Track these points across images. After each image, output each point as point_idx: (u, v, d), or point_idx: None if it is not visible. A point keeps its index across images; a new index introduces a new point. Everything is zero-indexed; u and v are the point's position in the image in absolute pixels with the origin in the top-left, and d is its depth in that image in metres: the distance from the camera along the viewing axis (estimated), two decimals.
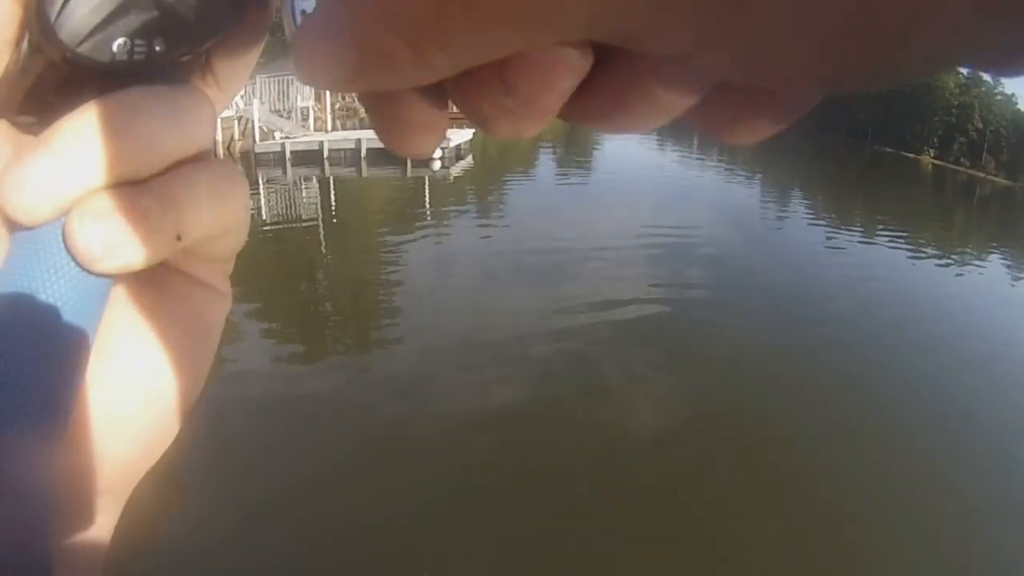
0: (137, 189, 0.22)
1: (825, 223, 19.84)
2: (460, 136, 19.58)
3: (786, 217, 20.34)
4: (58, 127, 0.21)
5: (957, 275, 17.35)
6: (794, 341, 9.28)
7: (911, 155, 67.06)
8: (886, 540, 5.20)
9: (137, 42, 0.22)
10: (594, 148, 31.15)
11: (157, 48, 0.22)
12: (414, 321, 7.88)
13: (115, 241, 0.21)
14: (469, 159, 19.89)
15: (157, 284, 0.27)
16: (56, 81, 0.22)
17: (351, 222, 12.39)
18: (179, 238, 0.23)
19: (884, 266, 15.93)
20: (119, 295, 0.26)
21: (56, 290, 0.21)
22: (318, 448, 5.35)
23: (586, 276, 10.32)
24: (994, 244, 23.79)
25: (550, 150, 28.67)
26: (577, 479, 5.20)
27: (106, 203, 0.21)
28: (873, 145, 68.44)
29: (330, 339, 7.67)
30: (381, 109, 0.18)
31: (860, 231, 19.43)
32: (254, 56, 0.28)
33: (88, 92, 0.22)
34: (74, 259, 0.21)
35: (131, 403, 0.26)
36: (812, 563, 4.88)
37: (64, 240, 0.21)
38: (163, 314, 0.27)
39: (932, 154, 70.11)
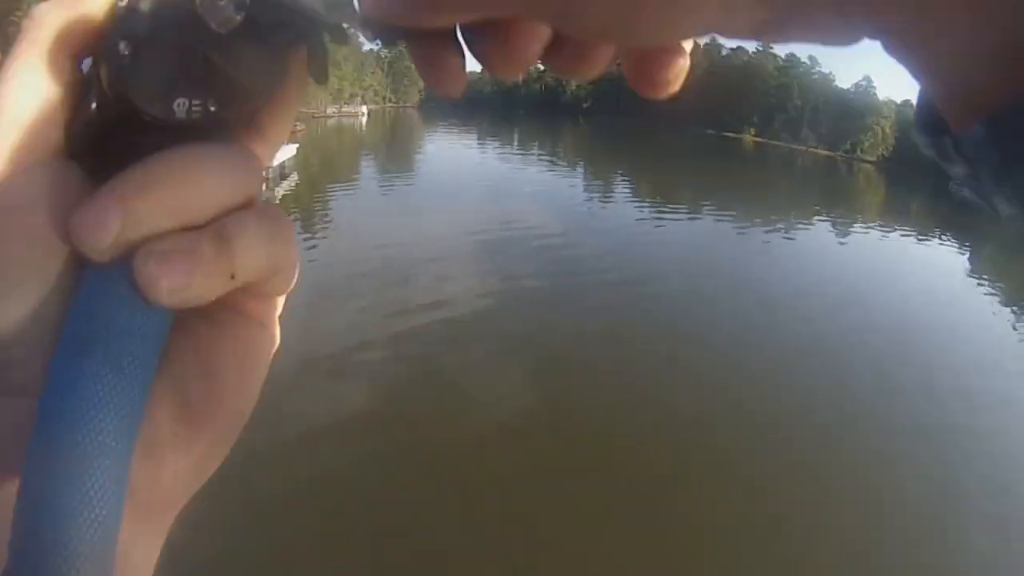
0: (195, 234, 0.25)
1: (650, 205, 20.06)
2: (282, 153, 18.09)
3: (611, 203, 20.38)
4: (127, 175, 0.24)
5: (786, 240, 18.06)
6: (627, 321, 9.30)
7: (733, 135, 70.77)
8: (728, 499, 5.51)
9: (195, 102, 0.25)
10: (416, 152, 30.83)
11: (212, 108, 0.25)
12: None
13: (176, 279, 0.24)
14: (294, 177, 18.96)
15: (213, 320, 0.30)
16: (118, 131, 0.25)
17: None
18: (233, 276, 0.26)
19: (712, 240, 16.22)
20: (180, 329, 0.28)
21: (125, 321, 0.24)
22: None
23: (418, 280, 10.03)
24: (818, 209, 24.81)
25: (371, 158, 28.08)
26: (435, 479, 5.28)
27: (168, 245, 0.24)
28: (694, 127, 70.83)
29: None
30: (429, 55, 0.26)
31: (686, 210, 19.75)
32: (295, 111, 0.32)
33: (147, 144, 0.25)
34: (140, 294, 0.24)
35: (184, 428, 0.28)
36: (648, 529, 5.04)
37: (132, 277, 0.24)
38: (218, 347, 0.30)
39: (753, 132, 73.36)
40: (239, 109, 0.26)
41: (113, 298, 0.24)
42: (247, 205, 0.28)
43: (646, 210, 19.22)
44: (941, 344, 10.69)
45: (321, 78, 0.28)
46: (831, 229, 21.40)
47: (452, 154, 31.01)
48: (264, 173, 0.31)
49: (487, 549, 4.57)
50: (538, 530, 4.82)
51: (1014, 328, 12.95)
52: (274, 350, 0.33)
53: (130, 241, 0.24)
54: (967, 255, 22.18)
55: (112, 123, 0.25)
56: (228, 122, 0.27)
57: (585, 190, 22.74)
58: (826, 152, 60.83)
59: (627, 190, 23.78)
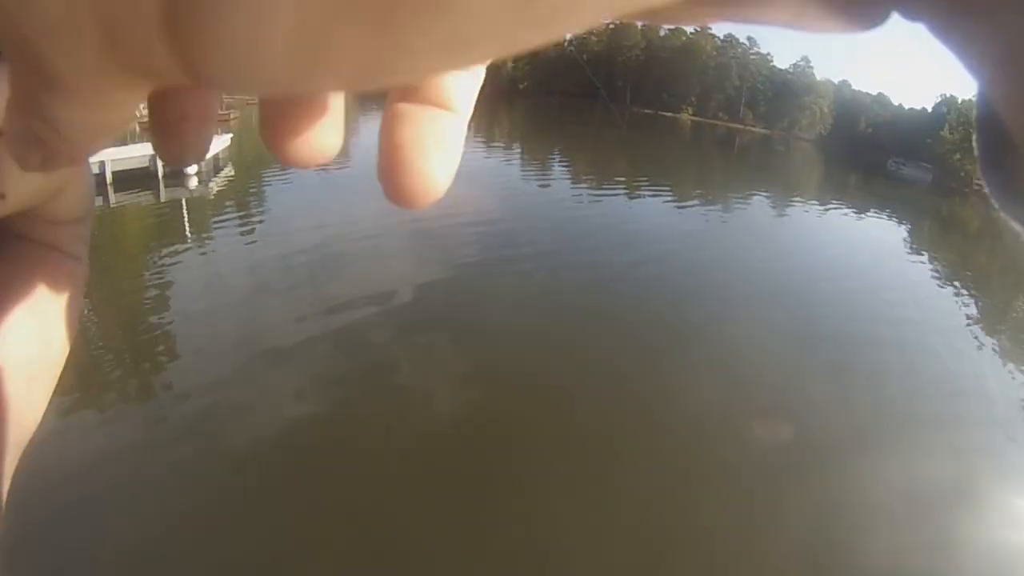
0: None
1: (588, 184, 20.13)
2: (216, 144, 17.53)
3: (548, 184, 20.41)
4: None
5: (722, 218, 18.31)
6: (565, 300, 9.40)
7: (670, 114, 71.59)
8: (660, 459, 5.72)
9: None
10: (351, 135, 30.52)
11: None
12: (193, 350, 7.09)
13: None
14: (229, 169, 18.43)
15: (8, 256, 0.28)
16: None
17: (102, 261, 11.06)
18: (2, 197, 0.24)
19: (651, 217, 16.31)
20: None
21: None
22: (127, 505, 4.74)
23: (358, 269, 9.83)
24: (756, 185, 25.15)
25: None
26: (389, 466, 5.26)
27: None
28: (632, 108, 71.51)
29: (113, 388, 6.77)
30: (156, 107, 0.20)
31: (624, 188, 19.84)
32: None
33: None
34: None
35: None
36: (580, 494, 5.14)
37: None
38: (11, 281, 0.27)
39: (691, 111, 74.21)
40: None
41: None
42: None
43: (583, 190, 19.32)
44: (889, 320, 11.22)
45: None
46: (768, 205, 21.81)
47: None
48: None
49: (435, 530, 4.59)
50: (485, 507, 4.89)
51: (960, 302, 13.85)
52: (83, 279, 0.30)
53: None
54: (905, 230, 22.82)
55: None
56: None
57: (522, 172, 22.74)
58: (764, 131, 61.86)
59: (564, 171, 23.84)
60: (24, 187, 0.25)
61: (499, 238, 12.31)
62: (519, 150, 28.21)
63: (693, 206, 18.58)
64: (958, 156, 46.28)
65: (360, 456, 5.41)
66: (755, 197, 22.78)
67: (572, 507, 4.96)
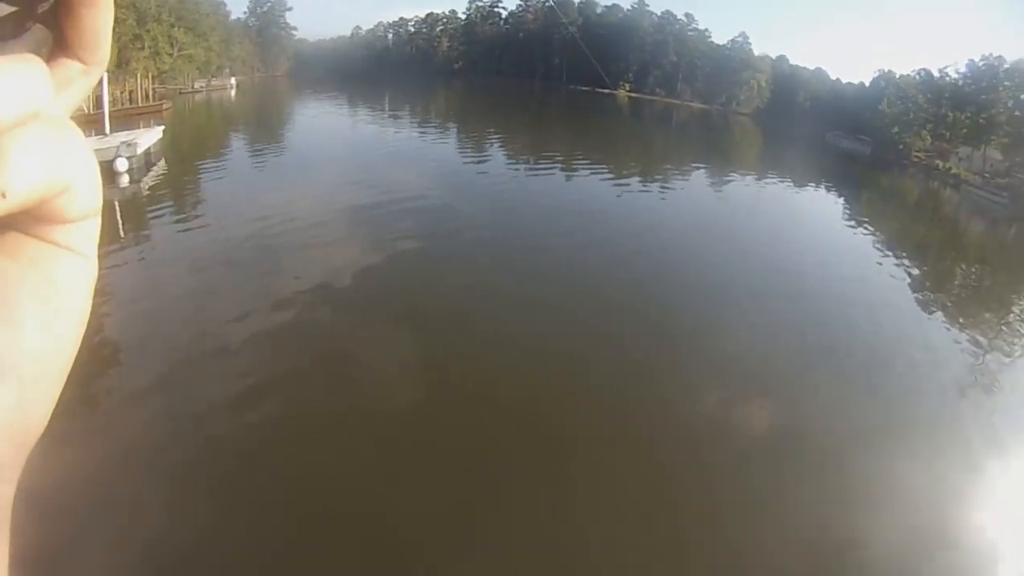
0: None
1: (526, 162, 20.14)
2: (148, 138, 17.46)
3: (486, 161, 20.40)
4: None
5: (661, 191, 18.39)
6: (509, 275, 9.50)
7: (608, 91, 71.80)
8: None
9: None
10: (286, 123, 30.10)
11: None
12: (140, 351, 6.85)
13: None
14: (162, 163, 17.86)
15: (6, 250, 0.28)
16: None
17: None
18: (3, 195, 0.24)
19: (589, 193, 16.26)
20: None
21: None
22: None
23: (298, 253, 9.68)
24: (695, 159, 25.36)
25: (242, 132, 27.19)
26: (351, 458, 5.12)
27: None
28: (569, 86, 71.43)
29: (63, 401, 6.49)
30: None
31: (561, 164, 19.89)
32: (101, 21, 0.29)
33: None
34: None
35: None
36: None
37: None
38: (20, 281, 0.28)
39: (628, 88, 74.41)
40: (25, 11, 0.24)
41: None
42: (27, 121, 0.25)
43: (522, 168, 19.34)
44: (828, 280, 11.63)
45: None
46: (708, 179, 22.00)
47: (322, 123, 30.38)
48: (48, 86, 0.27)
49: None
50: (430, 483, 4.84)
51: (902, 266, 14.13)
52: (90, 280, 0.31)
53: None
54: (844, 201, 23.20)
55: None
56: (18, 30, 0.25)
57: (459, 151, 22.68)
58: (702, 106, 62.49)
59: (501, 150, 23.81)
60: (25, 184, 0.25)
61: (436, 217, 12.23)
62: (455, 129, 28.12)
63: (630, 180, 18.64)
64: (896, 129, 47.14)
65: (296, 425, 5.41)
66: (694, 171, 22.97)
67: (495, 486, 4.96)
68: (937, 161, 43.91)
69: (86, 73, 0.30)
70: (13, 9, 0.24)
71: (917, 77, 49.13)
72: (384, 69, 77.41)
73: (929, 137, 45.87)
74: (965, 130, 43.10)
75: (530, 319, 7.96)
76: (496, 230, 11.68)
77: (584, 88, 69.24)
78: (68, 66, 0.29)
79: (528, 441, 5.43)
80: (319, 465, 4.99)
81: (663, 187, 18.90)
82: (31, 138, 0.25)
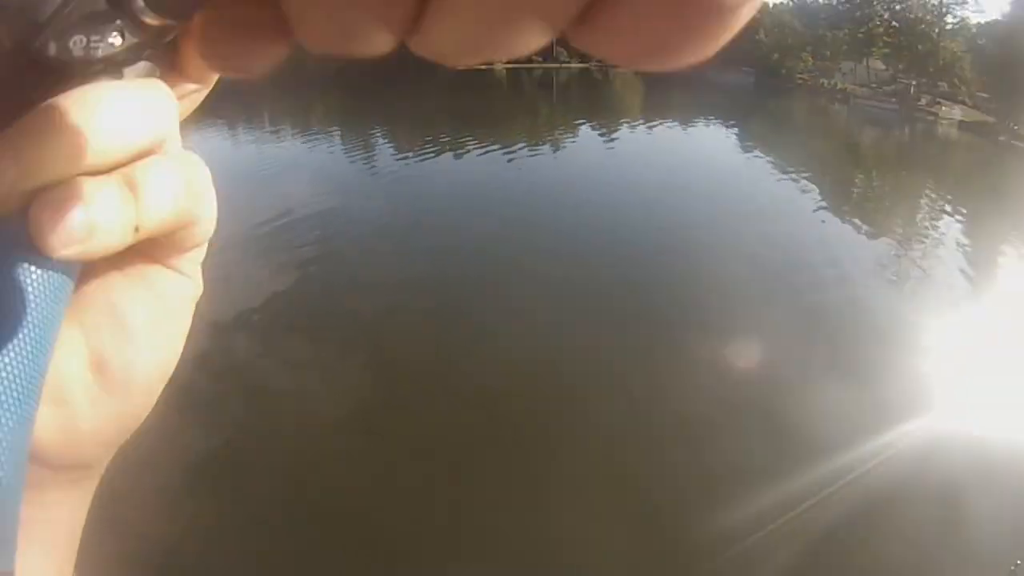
0: (97, 181, 0.24)
1: (413, 153, 19.75)
2: None
3: (374, 158, 19.94)
4: (20, 124, 0.23)
5: (554, 154, 18.35)
6: (420, 269, 9.19)
7: (484, 67, 71.79)
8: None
9: (93, 38, 0.23)
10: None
11: (113, 44, 0.23)
12: None
13: (72, 230, 0.23)
14: None
15: (125, 269, 0.29)
16: (14, 81, 0.23)
17: None
18: (137, 229, 0.25)
19: (482, 173, 15.96)
20: (91, 277, 0.28)
21: (23, 277, 0.23)
22: None
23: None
24: (582, 119, 25.23)
25: None
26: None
27: (64, 193, 0.23)
28: (444, 69, 70.65)
29: None
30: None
31: (451, 149, 19.57)
32: None
33: (45, 91, 0.23)
34: (37, 247, 0.22)
35: (98, 379, 0.28)
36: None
37: (28, 228, 0.22)
38: (130, 297, 0.29)
39: (504, 61, 73.89)
40: (146, 43, 0.25)
41: (9, 251, 0.23)
42: (157, 149, 0.27)
43: (412, 160, 18.98)
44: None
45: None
46: (597, 134, 21.84)
47: (205, 145, 29.53)
48: (179, 116, 0.29)
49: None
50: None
51: (801, 186, 14.36)
52: (194, 300, 0.33)
53: (25, 192, 0.23)
54: (735, 133, 23.34)
55: (7, 73, 0.23)
56: (135, 59, 0.25)
57: (345, 153, 22.17)
58: (581, 65, 62.69)
59: (387, 144, 23.42)
60: (157, 220, 0.26)
61: (335, 224, 11.90)
62: (338, 134, 27.62)
63: (520, 150, 18.41)
64: (776, 56, 47.76)
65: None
66: (582, 129, 22.85)
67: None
68: (822, 80, 44.70)
69: (196, 92, 0.31)
70: (135, 41, 0.24)
71: (791, 3, 50.09)
72: (261, 83, 76.41)
73: (810, 59, 46.60)
74: (845, 47, 43.91)
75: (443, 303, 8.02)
76: (394, 220, 11.65)
77: (460, 69, 69.12)
78: (179, 87, 0.29)
79: None
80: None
81: (552, 151, 19.03)
82: (163, 169, 0.26)
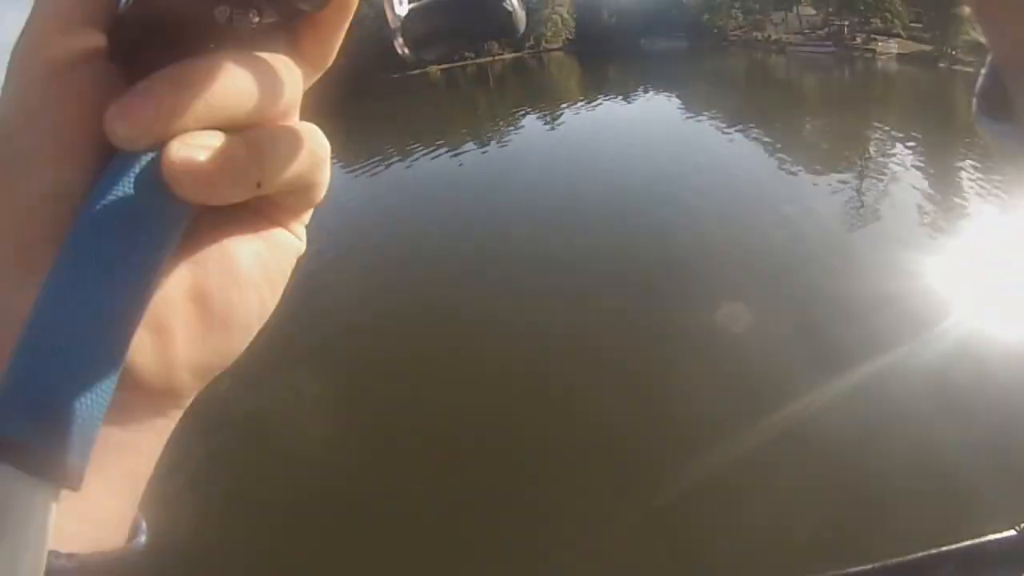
0: (228, 137, 0.26)
1: (362, 163, 19.60)
2: None
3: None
4: (163, 73, 0.25)
5: (500, 146, 18.19)
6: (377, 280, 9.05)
7: (418, 71, 71.69)
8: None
9: (236, 11, 0.26)
10: None
11: (253, 18, 0.26)
12: None
13: (203, 176, 0.25)
14: None
15: (238, 220, 0.31)
16: (158, 37, 0.27)
17: None
18: (259, 185, 0.27)
19: (429, 173, 15.85)
20: (203, 219, 0.30)
21: (144, 202, 0.25)
22: None
23: None
24: (522, 107, 25.11)
25: None
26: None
27: (201, 141, 0.25)
28: (381, 76, 70.97)
29: None
30: None
31: (395, 153, 19.36)
32: (339, 37, 0.32)
33: (186, 48, 0.26)
34: (164, 182, 0.25)
35: (197, 310, 0.30)
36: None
37: (159, 166, 0.25)
38: (238, 242, 0.31)
39: (436, 64, 74.58)
40: (281, 23, 0.28)
41: (135, 180, 0.25)
42: (283, 118, 0.30)
43: (354, 169, 18.78)
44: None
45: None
46: (539, 120, 21.74)
47: None
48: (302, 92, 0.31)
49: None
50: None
51: (749, 140, 14.53)
52: (297, 257, 0.34)
53: (159, 135, 0.25)
54: (677, 97, 23.27)
55: (153, 29, 0.26)
56: (269, 34, 0.28)
57: None
58: (514, 55, 62.66)
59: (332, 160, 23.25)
60: (278, 178, 0.28)
61: None
62: None
63: (467, 148, 18.29)
64: (706, 16, 48.09)
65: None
66: (524, 117, 22.70)
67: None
68: (755, 33, 45.00)
69: (309, 78, 0.32)
70: (271, 21, 0.27)
71: None
72: None
73: (740, 14, 46.77)
74: None
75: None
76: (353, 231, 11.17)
77: (395, 75, 68.89)
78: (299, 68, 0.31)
79: None
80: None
81: (497, 141, 18.80)
82: (287, 134, 0.29)
